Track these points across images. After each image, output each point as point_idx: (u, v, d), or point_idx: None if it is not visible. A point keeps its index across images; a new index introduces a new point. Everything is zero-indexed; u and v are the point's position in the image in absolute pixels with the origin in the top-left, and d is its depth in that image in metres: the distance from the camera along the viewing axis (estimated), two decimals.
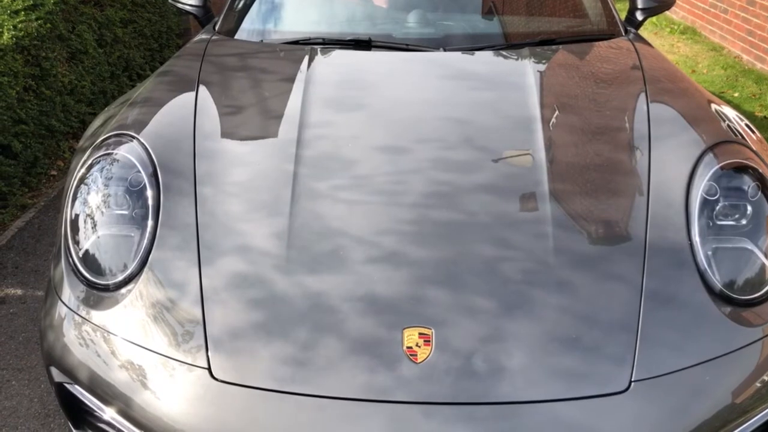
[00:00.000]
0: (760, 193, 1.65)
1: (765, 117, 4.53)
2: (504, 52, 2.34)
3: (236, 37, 2.55)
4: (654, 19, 7.10)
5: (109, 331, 1.52)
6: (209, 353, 1.41)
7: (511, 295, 1.47)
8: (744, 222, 1.62)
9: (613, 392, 1.34)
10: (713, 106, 2.04)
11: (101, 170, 1.77)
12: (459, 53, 2.34)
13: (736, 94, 4.97)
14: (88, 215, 1.70)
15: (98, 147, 1.84)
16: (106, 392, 1.47)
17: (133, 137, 1.83)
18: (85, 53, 3.92)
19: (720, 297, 1.51)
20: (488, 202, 1.67)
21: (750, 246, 1.59)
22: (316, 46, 2.35)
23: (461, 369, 1.36)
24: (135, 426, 1.44)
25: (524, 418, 1.31)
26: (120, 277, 1.58)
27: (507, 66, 2.29)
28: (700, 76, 5.39)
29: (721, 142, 1.76)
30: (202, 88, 2.10)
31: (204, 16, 2.92)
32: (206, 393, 1.38)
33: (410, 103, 2.07)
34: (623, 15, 2.79)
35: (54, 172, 3.67)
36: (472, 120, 1.98)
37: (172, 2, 2.92)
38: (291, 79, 2.16)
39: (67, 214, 1.73)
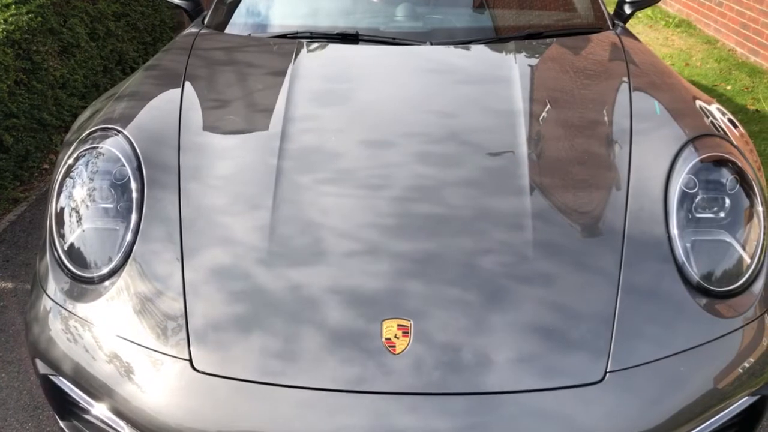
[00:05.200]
0: (738, 186, 1.66)
1: (757, 110, 4.54)
2: (490, 46, 2.35)
3: (225, 31, 2.55)
4: (649, 11, 7.10)
5: (92, 324, 1.53)
6: (191, 345, 1.43)
7: (490, 287, 1.48)
8: (722, 215, 1.63)
9: (588, 383, 1.35)
10: (697, 101, 2.05)
11: (86, 164, 1.78)
12: (446, 47, 2.34)
13: (729, 87, 4.97)
14: (73, 209, 1.71)
15: (84, 141, 1.85)
16: (90, 384, 1.49)
17: (119, 131, 1.84)
18: (77, 47, 3.92)
19: (697, 289, 1.53)
20: (470, 195, 1.68)
21: (728, 238, 1.61)
22: (303, 40, 2.36)
23: (439, 360, 1.37)
24: (119, 417, 1.46)
25: (501, 409, 1.33)
26: (104, 270, 1.60)
27: (493, 60, 2.30)
28: (693, 69, 5.39)
29: (701, 135, 1.77)
30: (188, 83, 2.11)
31: (193, 10, 2.93)
32: (188, 385, 1.39)
33: (396, 97, 2.08)
34: (612, 9, 2.79)
35: (46, 166, 3.68)
36: (457, 114, 1.99)
37: None
38: (277, 73, 2.16)
39: (53, 207, 1.74)
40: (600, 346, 1.40)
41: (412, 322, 1.42)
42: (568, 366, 1.38)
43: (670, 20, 6.81)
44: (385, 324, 1.42)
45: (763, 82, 4.97)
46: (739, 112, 4.49)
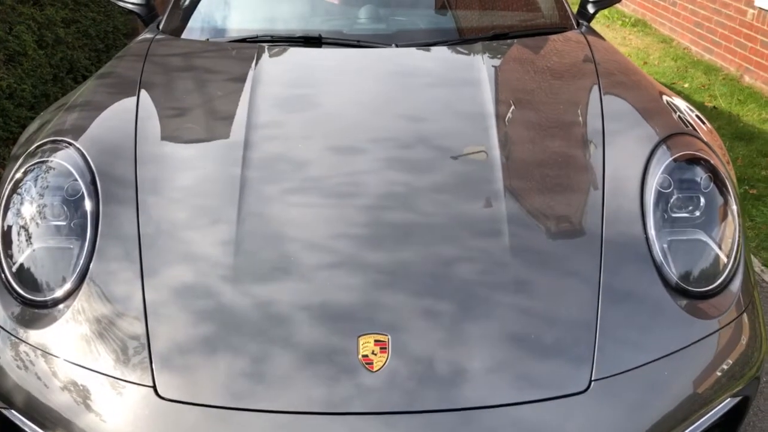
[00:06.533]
0: (712, 184, 1.65)
1: (714, 107, 4.63)
2: (457, 48, 2.31)
3: (181, 36, 2.45)
4: (606, 12, 7.21)
5: (46, 352, 1.43)
6: (154, 371, 1.34)
7: (469, 296, 1.43)
8: (698, 213, 1.62)
9: (574, 393, 1.31)
10: (665, 98, 2.05)
11: (35, 179, 1.67)
12: (411, 49, 2.29)
13: (686, 85, 5.06)
14: (22, 227, 1.60)
15: (32, 154, 1.74)
16: (45, 417, 1.39)
17: (70, 144, 1.73)
18: (25, 55, 3.74)
19: (676, 290, 1.50)
20: (443, 201, 1.63)
21: (704, 237, 1.59)
22: (264, 44, 2.28)
23: (419, 376, 1.31)
24: None
25: (485, 424, 1.28)
26: (58, 293, 1.49)
27: (460, 61, 2.26)
28: (651, 67, 5.48)
29: (673, 134, 1.76)
30: (144, 91, 2.00)
31: (148, 15, 2.80)
32: (152, 413, 1.30)
33: (362, 101, 2.02)
34: (575, 8, 2.79)
35: None
36: (426, 118, 1.94)
37: (114, 0, 2.80)
38: (238, 79, 2.08)
39: None
40: (583, 354, 1.36)
41: (389, 336, 1.36)
42: (552, 377, 1.33)
43: (627, 20, 6.93)
44: (362, 340, 1.35)
45: (718, 80, 5.08)
46: (697, 109, 4.57)
